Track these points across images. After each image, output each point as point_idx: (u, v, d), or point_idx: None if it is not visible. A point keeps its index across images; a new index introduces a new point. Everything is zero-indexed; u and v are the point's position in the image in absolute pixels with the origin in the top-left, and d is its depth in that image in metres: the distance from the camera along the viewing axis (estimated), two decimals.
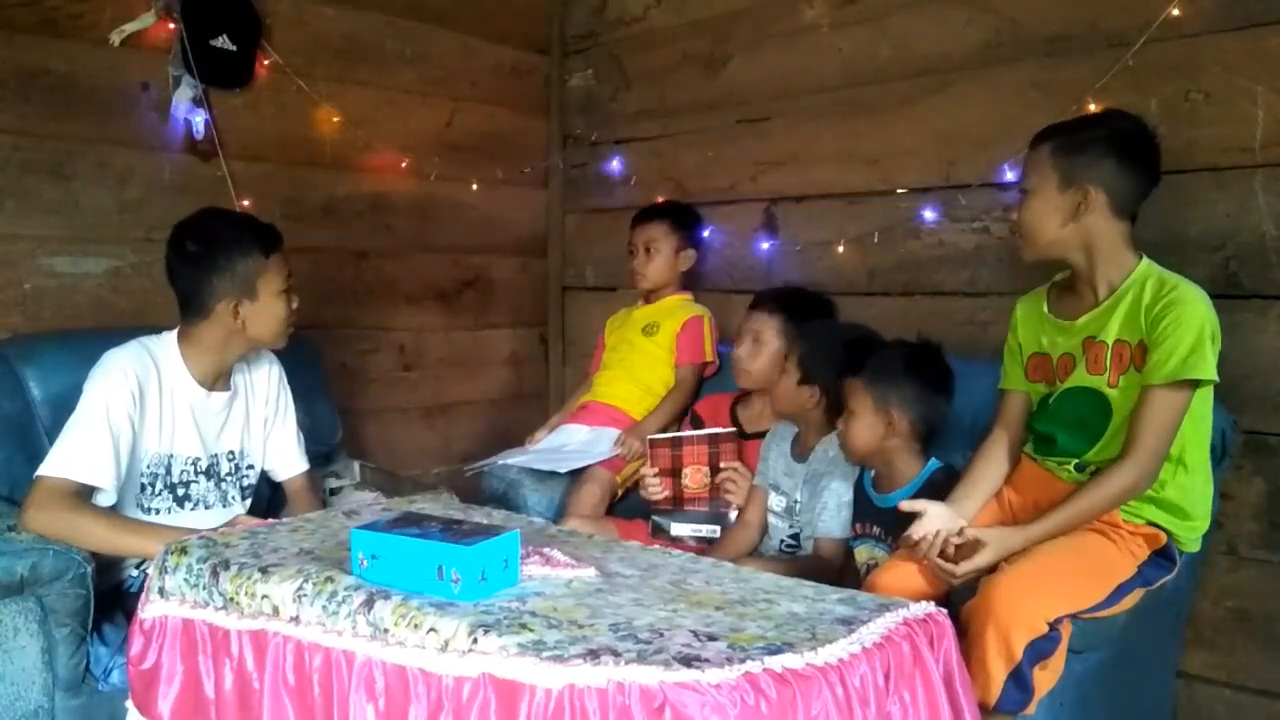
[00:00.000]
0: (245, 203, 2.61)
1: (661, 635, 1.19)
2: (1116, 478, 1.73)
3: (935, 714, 1.26)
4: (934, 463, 2.02)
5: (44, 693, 1.75)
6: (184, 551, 1.55)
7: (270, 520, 1.78)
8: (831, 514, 2.11)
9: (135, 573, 1.98)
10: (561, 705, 1.09)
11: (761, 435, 2.40)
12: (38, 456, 1.87)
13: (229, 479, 2.10)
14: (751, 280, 2.89)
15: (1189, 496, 1.81)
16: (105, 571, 1.87)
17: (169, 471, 2.00)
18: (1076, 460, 1.85)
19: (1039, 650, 1.61)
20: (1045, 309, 1.95)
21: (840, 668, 1.15)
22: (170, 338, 2.01)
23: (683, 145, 3.12)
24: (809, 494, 2.17)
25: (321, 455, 2.48)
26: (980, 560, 1.72)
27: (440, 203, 3.15)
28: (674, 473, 2.42)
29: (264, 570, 1.44)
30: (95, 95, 2.40)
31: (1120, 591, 1.73)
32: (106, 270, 2.45)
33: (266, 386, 2.17)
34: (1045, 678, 1.64)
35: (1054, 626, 1.63)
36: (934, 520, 1.77)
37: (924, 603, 1.36)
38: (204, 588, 1.49)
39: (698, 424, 2.55)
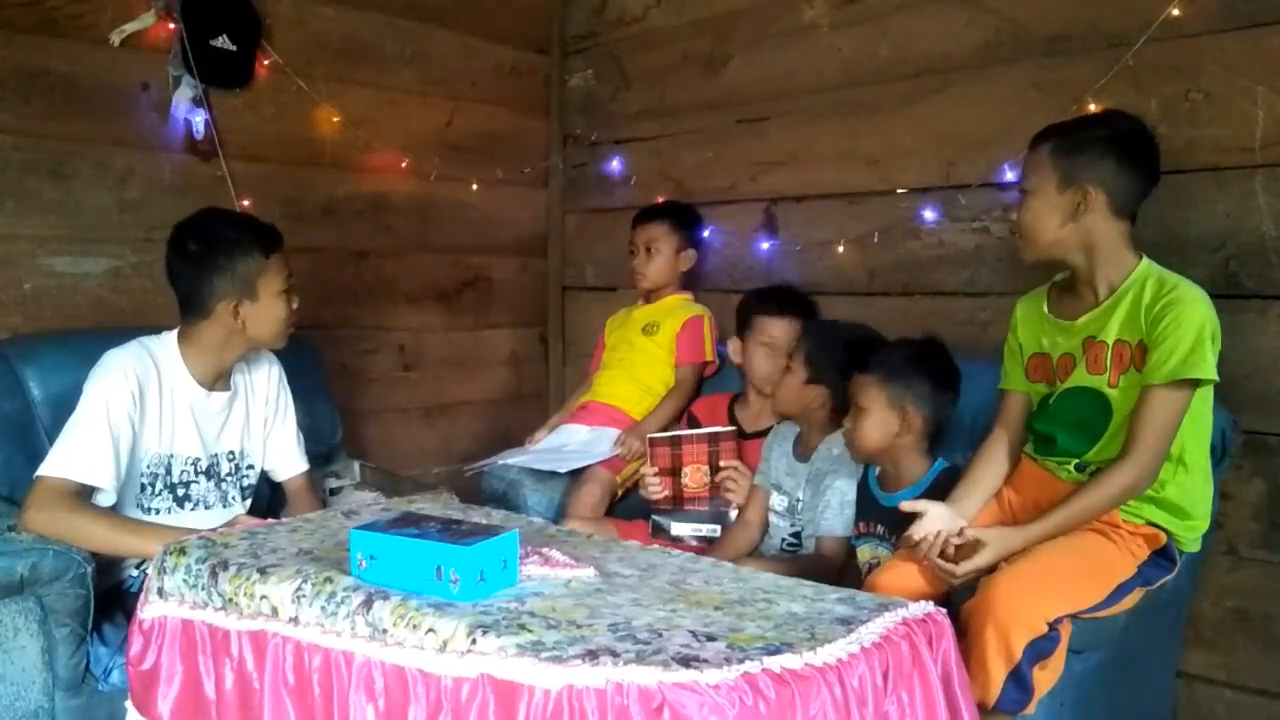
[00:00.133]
0: (245, 203, 2.61)
1: (660, 635, 1.19)
2: (1116, 477, 1.73)
3: (932, 714, 1.26)
4: (941, 463, 2.02)
5: (44, 693, 1.75)
6: (183, 552, 1.55)
7: (270, 520, 1.78)
8: (834, 512, 2.11)
9: (135, 573, 1.98)
10: (560, 706, 1.09)
11: (760, 435, 2.40)
12: (38, 456, 1.87)
13: (229, 479, 2.10)
14: (751, 280, 2.89)
15: (1189, 496, 1.81)
16: (105, 571, 1.87)
17: (169, 471, 2.00)
18: (1076, 460, 1.85)
19: (1038, 650, 1.61)
20: (1045, 309, 1.94)
21: (839, 668, 1.15)
22: (170, 338, 2.01)
23: (683, 145, 3.11)
24: (812, 492, 2.17)
25: (321, 455, 2.48)
26: (980, 560, 1.72)
27: (440, 203, 3.15)
28: (674, 472, 2.42)
29: (263, 571, 1.44)
30: (95, 95, 2.40)
31: (1120, 591, 1.73)
32: (106, 270, 2.45)
33: (266, 386, 2.17)
34: (1045, 678, 1.64)
35: (1053, 626, 1.63)
36: (935, 521, 1.77)
37: (923, 603, 1.36)
38: (203, 588, 1.49)
39: (694, 426, 2.55)
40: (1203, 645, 2.19)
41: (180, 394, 1.99)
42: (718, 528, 2.39)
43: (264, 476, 2.21)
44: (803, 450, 2.24)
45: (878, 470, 2.07)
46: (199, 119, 2.54)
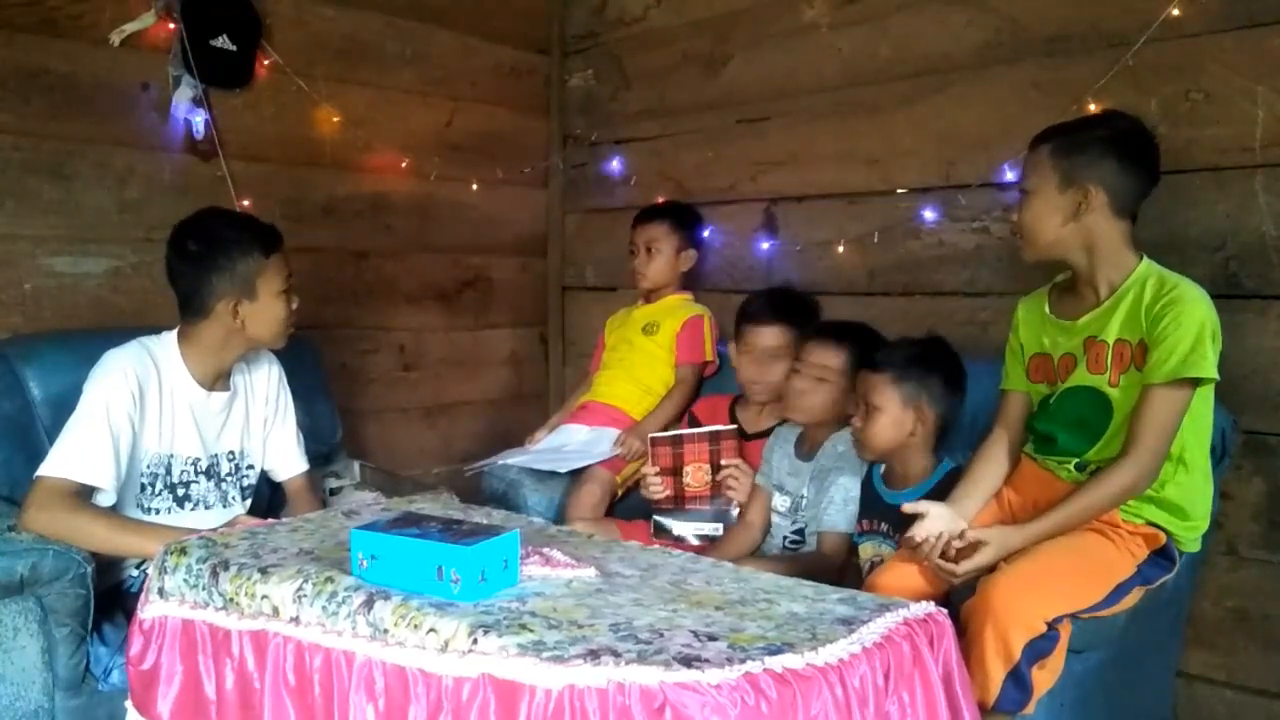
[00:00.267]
0: (245, 203, 2.61)
1: (661, 635, 1.19)
2: (1116, 477, 1.73)
3: (933, 714, 1.26)
4: (948, 464, 2.01)
5: (44, 693, 1.75)
6: (183, 552, 1.55)
7: (270, 520, 1.78)
8: (837, 508, 2.10)
9: (135, 573, 1.98)
10: (561, 706, 1.09)
11: (762, 436, 2.40)
12: (38, 456, 1.87)
13: (229, 479, 2.10)
14: (751, 280, 2.89)
15: (1189, 496, 1.81)
16: (105, 571, 1.87)
17: (169, 471, 2.00)
18: (1077, 460, 1.85)
19: (1037, 650, 1.61)
20: (1046, 309, 1.95)
21: (840, 668, 1.15)
22: (170, 338, 2.01)
23: (683, 145, 3.11)
24: (816, 489, 2.16)
25: (321, 455, 2.48)
26: (981, 559, 1.72)
27: (440, 203, 3.15)
28: (675, 471, 2.41)
29: (264, 571, 1.44)
30: (95, 95, 2.40)
31: (1119, 591, 1.73)
32: (106, 270, 2.45)
33: (266, 386, 2.17)
34: (1044, 677, 1.64)
35: (1053, 626, 1.63)
36: (936, 522, 1.77)
37: (924, 603, 1.36)
38: (204, 588, 1.49)
39: (695, 426, 2.55)
40: (1203, 645, 2.19)
41: (180, 394, 1.99)
42: (720, 526, 2.39)
43: (264, 476, 2.21)
44: (807, 449, 2.24)
45: (883, 468, 2.07)
46: (199, 119, 2.54)
